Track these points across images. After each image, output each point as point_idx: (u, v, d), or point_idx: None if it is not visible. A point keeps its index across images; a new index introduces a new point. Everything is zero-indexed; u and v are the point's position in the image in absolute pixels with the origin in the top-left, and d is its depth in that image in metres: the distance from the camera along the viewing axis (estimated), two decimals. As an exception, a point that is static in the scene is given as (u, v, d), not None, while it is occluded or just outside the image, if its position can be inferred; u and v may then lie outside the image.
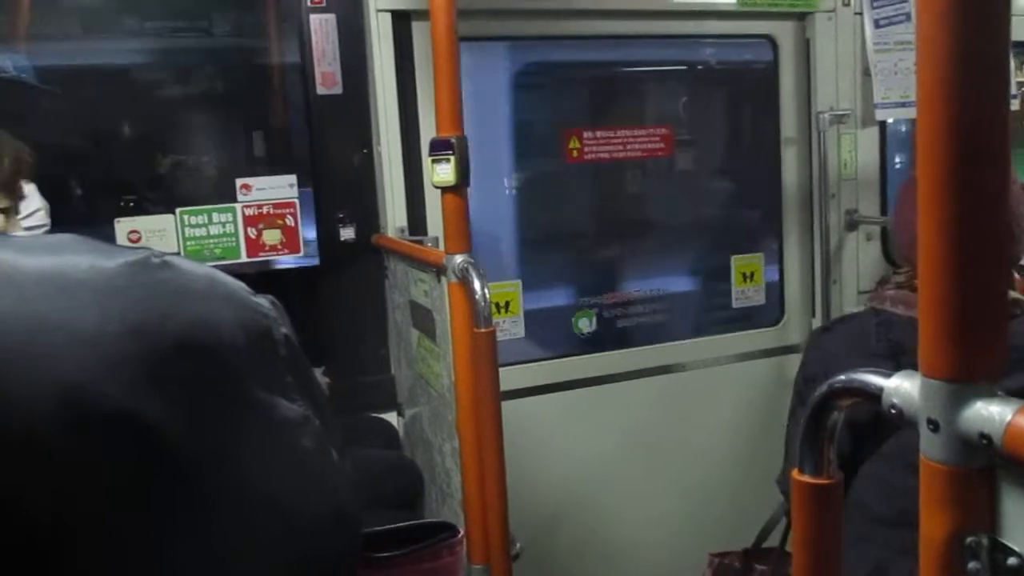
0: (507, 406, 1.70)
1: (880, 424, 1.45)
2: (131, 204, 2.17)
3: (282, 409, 0.66)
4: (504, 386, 1.69)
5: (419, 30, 2.24)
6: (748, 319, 2.75)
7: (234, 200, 2.22)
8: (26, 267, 0.60)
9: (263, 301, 0.69)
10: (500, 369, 1.66)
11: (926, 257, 0.56)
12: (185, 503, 0.59)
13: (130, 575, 0.58)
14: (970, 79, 0.53)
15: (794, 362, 2.16)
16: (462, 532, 0.87)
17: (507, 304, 2.46)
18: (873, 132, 2.68)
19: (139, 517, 0.57)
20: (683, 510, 2.61)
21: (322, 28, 2.24)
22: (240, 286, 0.69)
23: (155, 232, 2.14)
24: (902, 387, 0.61)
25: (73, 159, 2.21)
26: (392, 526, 0.84)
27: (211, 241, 2.20)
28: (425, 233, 2.29)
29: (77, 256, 0.63)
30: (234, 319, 0.65)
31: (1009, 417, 0.53)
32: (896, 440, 1.47)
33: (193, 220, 2.18)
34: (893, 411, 0.62)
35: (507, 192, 2.58)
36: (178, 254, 1.94)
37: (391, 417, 2.36)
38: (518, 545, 1.76)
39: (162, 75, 2.32)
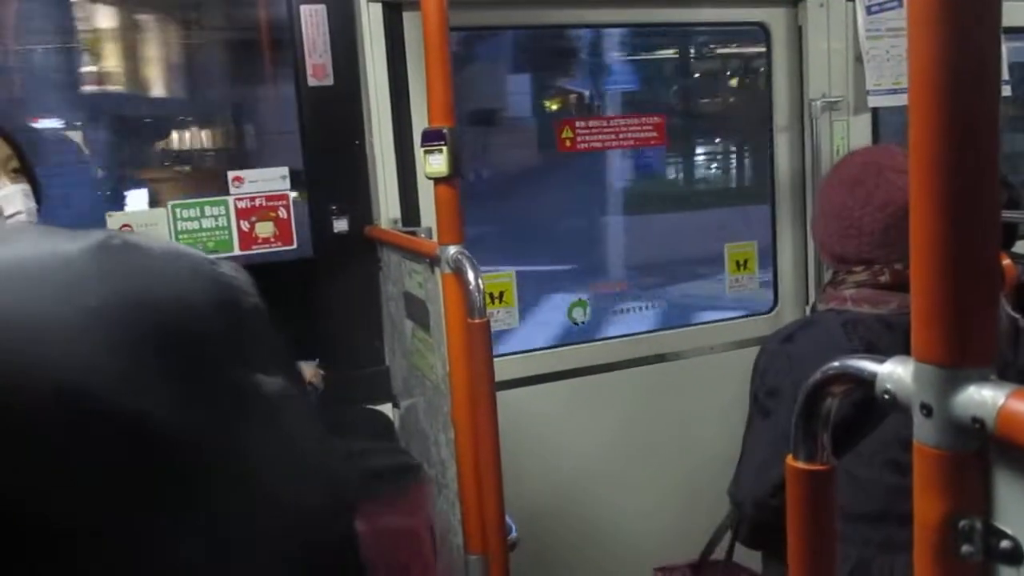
0: (501, 396, 1.70)
1: (852, 426, 1.44)
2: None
3: (262, 385, 0.64)
4: (498, 376, 1.69)
5: (410, 20, 2.23)
6: (742, 307, 2.75)
7: (226, 193, 2.22)
8: None
9: (227, 270, 0.67)
10: (495, 359, 1.66)
11: (917, 243, 0.56)
12: (178, 489, 0.58)
13: (128, 561, 0.57)
14: (962, 63, 0.53)
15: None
16: (428, 470, 0.87)
17: (501, 294, 2.46)
18: (866, 119, 2.68)
19: (133, 505, 0.57)
20: (678, 498, 2.62)
21: (313, 19, 2.23)
22: (203, 257, 0.67)
23: (147, 226, 2.13)
24: (895, 372, 0.61)
25: (62, 151, 2.20)
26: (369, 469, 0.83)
27: (204, 234, 2.19)
28: (419, 224, 2.29)
29: (34, 243, 0.61)
30: (204, 296, 0.63)
31: (1002, 401, 0.53)
32: (874, 439, 1.46)
33: (185, 213, 2.17)
34: (886, 396, 0.62)
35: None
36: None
37: (386, 409, 2.36)
38: (514, 534, 1.76)
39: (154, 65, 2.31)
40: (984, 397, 0.54)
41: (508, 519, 1.74)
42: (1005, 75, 2.44)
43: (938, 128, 0.54)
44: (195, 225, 2.19)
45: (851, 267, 1.56)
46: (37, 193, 1.54)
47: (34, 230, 0.63)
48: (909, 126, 0.56)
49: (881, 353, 0.60)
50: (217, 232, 2.20)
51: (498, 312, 2.43)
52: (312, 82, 2.24)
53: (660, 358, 2.61)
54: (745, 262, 2.73)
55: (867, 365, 0.64)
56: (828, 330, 1.52)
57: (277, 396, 0.65)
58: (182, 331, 0.60)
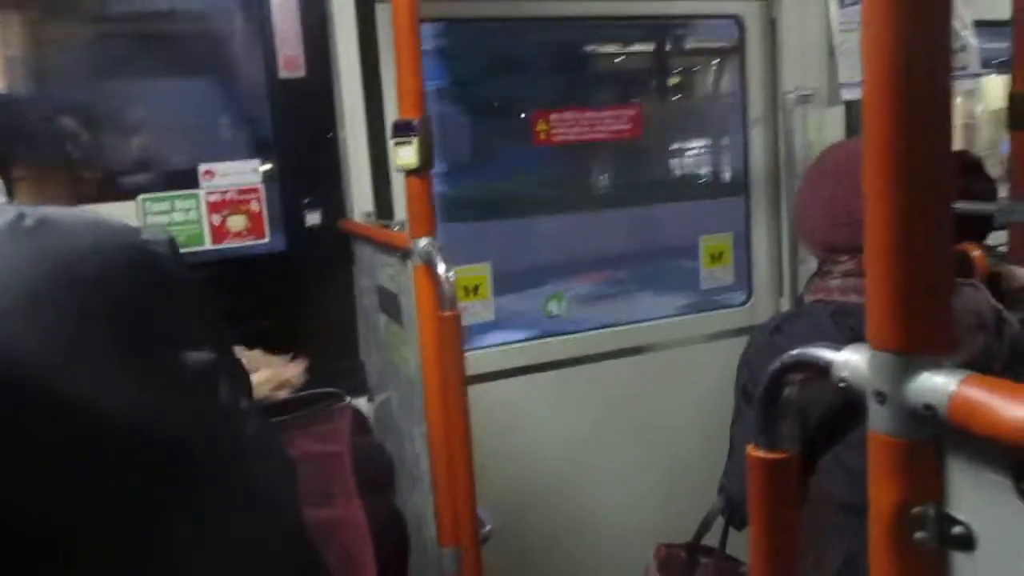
0: (478, 389, 1.70)
1: (842, 416, 1.44)
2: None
3: (191, 361, 0.63)
4: (475, 369, 1.69)
5: (383, 12, 2.21)
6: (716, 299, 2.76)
7: (197, 186, 2.19)
8: None
9: (151, 236, 0.66)
10: (471, 352, 1.66)
11: (872, 230, 0.56)
12: (124, 476, 0.57)
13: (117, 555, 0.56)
14: (913, 54, 0.54)
15: (762, 341, 2.17)
16: (348, 399, 0.90)
17: (476, 288, 2.45)
18: (839, 112, 2.69)
19: (94, 490, 0.56)
20: (654, 490, 2.63)
21: (285, 10, 2.21)
22: (123, 225, 0.65)
23: (117, 219, 2.11)
24: (851, 360, 0.61)
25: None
26: (289, 396, 0.85)
27: (175, 228, 2.17)
28: (392, 217, 2.28)
29: None
30: (127, 265, 0.61)
31: (953, 388, 0.53)
32: (862, 427, 1.46)
33: (155, 207, 2.14)
34: (842, 384, 0.62)
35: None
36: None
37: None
38: (487, 527, 1.76)
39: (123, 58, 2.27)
40: (936, 384, 0.54)
41: (481, 512, 1.74)
42: (977, 67, 2.46)
43: (890, 116, 0.54)
44: (166, 219, 2.16)
45: (839, 256, 1.56)
46: (10, 186, 1.52)
47: None
48: (863, 114, 0.57)
49: None
50: (188, 226, 2.18)
51: (473, 305, 2.43)
52: (284, 74, 2.22)
53: (636, 350, 2.61)
54: (720, 254, 2.74)
55: (823, 353, 0.64)
56: (817, 321, 1.51)
57: (206, 369, 0.63)
58: (108, 302, 0.59)
